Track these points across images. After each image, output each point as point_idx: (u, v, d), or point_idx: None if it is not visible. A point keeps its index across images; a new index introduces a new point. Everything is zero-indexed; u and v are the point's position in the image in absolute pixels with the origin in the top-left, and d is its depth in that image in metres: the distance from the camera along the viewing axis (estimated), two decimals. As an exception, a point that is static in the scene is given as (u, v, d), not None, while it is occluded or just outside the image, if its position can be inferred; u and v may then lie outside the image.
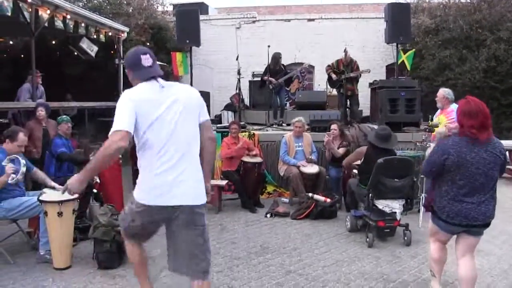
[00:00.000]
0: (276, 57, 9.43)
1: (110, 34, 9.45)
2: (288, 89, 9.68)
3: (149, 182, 2.66)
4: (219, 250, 4.84)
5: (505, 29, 11.41)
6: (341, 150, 6.83)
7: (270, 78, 9.35)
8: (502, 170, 3.27)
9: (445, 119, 5.80)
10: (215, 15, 16.02)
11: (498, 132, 12.20)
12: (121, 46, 10.00)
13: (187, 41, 8.82)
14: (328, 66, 9.26)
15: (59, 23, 7.64)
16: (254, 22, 14.72)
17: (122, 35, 9.95)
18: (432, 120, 6.22)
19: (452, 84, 11.48)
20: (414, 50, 9.13)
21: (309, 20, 14.58)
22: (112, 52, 10.44)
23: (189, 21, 8.76)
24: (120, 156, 5.45)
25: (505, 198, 7.45)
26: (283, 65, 9.64)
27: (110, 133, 2.47)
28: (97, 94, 9.81)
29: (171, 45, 12.48)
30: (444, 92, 6.08)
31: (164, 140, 2.61)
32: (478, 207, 3.14)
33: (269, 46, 9.77)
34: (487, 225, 3.24)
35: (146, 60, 2.73)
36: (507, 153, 9.14)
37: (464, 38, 11.93)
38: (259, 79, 11.85)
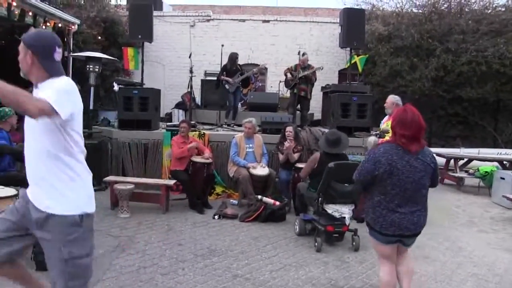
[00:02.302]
0: (233, 57, 9.36)
1: (60, 25, 8.96)
2: (241, 90, 9.63)
3: None
4: (165, 252, 4.70)
5: (453, 41, 11.94)
6: (296, 156, 6.84)
7: (227, 78, 9.26)
8: (434, 178, 3.27)
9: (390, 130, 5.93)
10: (170, 12, 15.74)
11: (444, 140, 12.79)
12: (71, 39, 9.54)
13: (139, 36, 8.55)
14: (287, 68, 9.30)
15: (2, 11, 7.12)
16: (208, 21, 14.57)
17: (73, 27, 9.48)
18: (379, 126, 6.35)
19: (402, 91, 11.89)
20: (367, 54, 9.32)
21: (264, 21, 14.62)
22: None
23: (142, 16, 8.50)
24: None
25: (450, 204, 7.78)
26: (239, 65, 9.58)
27: (48, 102, 2.11)
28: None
29: (123, 40, 12.10)
30: (393, 98, 6.22)
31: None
32: (411, 217, 3.13)
33: (222, 46, 9.71)
34: (418, 234, 3.27)
35: (59, 54, 2.40)
36: (452, 160, 9.49)
37: (415, 47, 12.35)
38: (212, 78, 11.76)
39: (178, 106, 11.45)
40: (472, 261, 4.91)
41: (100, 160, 7.66)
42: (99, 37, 11.82)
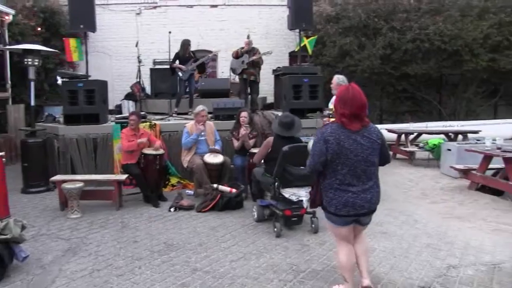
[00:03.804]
0: (186, 44, 9.14)
1: (-10, 16, 8.44)
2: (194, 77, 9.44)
3: None
4: (119, 251, 4.53)
5: (398, 19, 12.27)
6: (251, 142, 6.79)
7: (180, 65, 9.02)
8: (384, 155, 3.27)
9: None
10: (114, 0, 15.10)
11: (395, 116, 13.19)
12: (6, 31, 8.99)
13: (81, 26, 8.16)
14: (235, 51, 9.16)
15: None
16: (155, 8, 14.14)
17: (7, 18, 8.94)
18: (328, 106, 6.36)
19: (352, 70, 12.15)
20: (316, 36, 9.35)
21: (212, 6, 14.32)
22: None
23: (83, 5, 8.11)
24: (3, 153, 4.90)
25: (403, 179, 7.99)
26: (192, 52, 9.37)
27: None
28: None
29: (66, 30, 11.53)
30: (338, 79, 6.23)
31: None
32: (363, 195, 3.14)
33: (170, 33, 9.46)
34: (373, 211, 3.28)
35: None
36: (403, 136, 9.76)
37: (363, 27, 12.55)
38: (161, 66, 11.47)
39: (128, 97, 11.12)
40: (426, 232, 5.06)
41: (46, 159, 7.30)
42: (39, 29, 11.22)
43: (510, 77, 12.98)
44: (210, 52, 10.94)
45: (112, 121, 7.99)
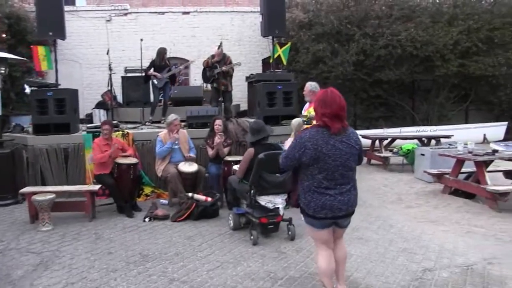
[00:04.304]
0: (162, 52, 9.08)
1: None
2: (169, 85, 9.34)
3: None
4: (93, 263, 4.41)
5: (370, 26, 12.48)
6: (226, 150, 6.75)
7: (155, 73, 8.92)
8: (359, 159, 3.34)
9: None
10: (83, 6, 14.87)
11: (368, 122, 13.38)
12: (-32, 38, 8.71)
13: (50, 33, 7.96)
14: (205, 60, 9.11)
15: None
16: (126, 14, 13.97)
17: (-31, 24, 8.65)
18: (301, 114, 6.39)
19: (326, 77, 12.22)
20: (289, 43, 9.40)
21: (184, 13, 14.26)
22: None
23: (51, 11, 7.90)
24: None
25: (378, 184, 8.08)
26: (168, 60, 9.27)
27: None
28: None
29: (33, 37, 11.25)
30: (310, 86, 6.29)
31: None
32: (341, 197, 3.16)
33: (142, 40, 9.35)
34: (351, 214, 3.31)
35: None
36: (377, 141, 9.88)
37: (336, 33, 12.68)
38: (133, 74, 11.32)
39: (99, 106, 10.91)
40: (402, 236, 5.12)
41: (15, 170, 7.05)
42: (4, 35, 10.91)
43: (480, 82, 13.41)
44: (182, 60, 10.87)
45: (83, 131, 7.81)
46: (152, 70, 9.03)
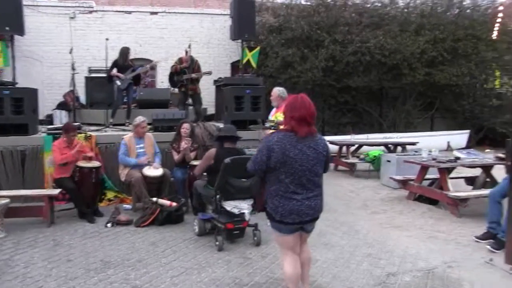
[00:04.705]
0: (125, 52, 8.83)
1: None
2: (133, 86, 9.10)
3: None
4: (51, 272, 4.21)
5: (339, 32, 12.60)
6: (193, 155, 6.64)
7: (118, 74, 8.67)
8: (326, 166, 3.36)
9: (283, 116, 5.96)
10: (44, 2, 14.35)
11: (336, 128, 13.52)
12: None
13: (7, 28, 7.65)
14: (173, 66, 8.95)
15: None
16: (90, 12, 13.59)
17: None
18: (268, 118, 6.36)
19: (295, 82, 12.29)
20: (259, 47, 9.36)
21: (152, 13, 14.01)
22: None
23: (9, 5, 7.60)
24: None
25: (344, 190, 8.14)
26: (131, 60, 9.03)
27: None
28: None
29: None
30: (278, 91, 6.26)
31: None
32: (307, 202, 3.17)
33: (107, 39, 9.06)
34: (316, 219, 3.32)
35: None
36: (344, 147, 9.97)
37: (305, 38, 12.75)
38: (96, 75, 11.01)
39: (60, 106, 10.56)
40: (366, 242, 5.17)
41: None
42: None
43: (444, 91, 13.80)
44: (149, 61, 10.65)
45: (43, 132, 7.51)
46: (115, 70, 8.78)
